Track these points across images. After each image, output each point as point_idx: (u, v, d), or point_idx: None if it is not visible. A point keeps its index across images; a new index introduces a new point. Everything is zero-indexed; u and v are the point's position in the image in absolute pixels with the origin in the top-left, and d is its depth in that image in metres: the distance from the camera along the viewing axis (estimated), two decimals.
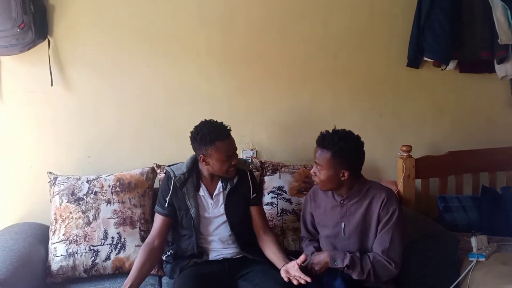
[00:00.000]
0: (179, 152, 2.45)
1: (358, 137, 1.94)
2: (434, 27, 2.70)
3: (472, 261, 2.11)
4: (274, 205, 2.45)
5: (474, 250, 2.16)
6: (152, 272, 2.20)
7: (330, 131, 1.94)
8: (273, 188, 2.49)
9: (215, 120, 2.04)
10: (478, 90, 2.95)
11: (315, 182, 1.99)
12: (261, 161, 2.58)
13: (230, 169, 2.03)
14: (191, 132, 2.04)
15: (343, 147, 1.88)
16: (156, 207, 2.12)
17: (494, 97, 2.98)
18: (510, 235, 2.43)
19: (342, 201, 1.97)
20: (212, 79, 2.64)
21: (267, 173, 2.53)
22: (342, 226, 1.96)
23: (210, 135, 1.97)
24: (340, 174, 1.90)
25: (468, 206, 2.62)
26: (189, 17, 2.58)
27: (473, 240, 2.18)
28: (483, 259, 2.12)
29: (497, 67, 2.79)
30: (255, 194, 2.16)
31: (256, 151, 2.72)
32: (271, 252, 2.04)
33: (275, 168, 2.54)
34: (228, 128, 2.02)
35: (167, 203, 2.07)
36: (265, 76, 2.69)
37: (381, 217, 1.91)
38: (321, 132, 1.95)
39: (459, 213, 2.59)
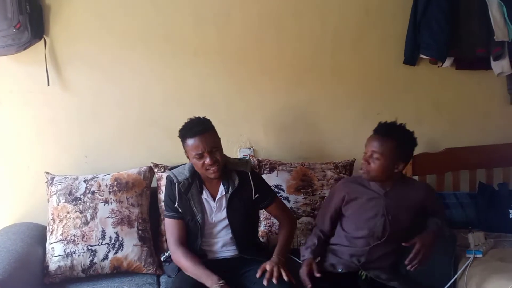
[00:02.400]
0: (176, 152, 2.43)
1: (413, 132, 2.00)
2: (430, 24, 2.70)
3: (470, 257, 2.12)
4: None
5: (472, 246, 2.16)
6: (150, 271, 2.22)
7: (389, 122, 1.98)
8: (271, 186, 2.48)
9: (200, 116, 2.04)
10: (475, 87, 2.95)
11: (362, 172, 1.99)
12: (258, 159, 2.58)
13: (208, 169, 1.98)
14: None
15: (408, 139, 1.96)
16: (168, 213, 2.08)
17: (490, 93, 2.98)
18: (507, 231, 2.44)
19: (386, 193, 1.99)
20: (209, 78, 2.63)
21: (265, 172, 2.53)
22: (388, 217, 1.98)
23: (181, 131, 1.99)
24: (395, 166, 1.95)
25: (465, 202, 2.62)
26: (185, 16, 2.57)
27: (470, 237, 2.18)
28: (481, 256, 2.13)
29: (493, 63, 2.79)
30: (257, 195, 2.12)
31: (254, 149, 2.72)
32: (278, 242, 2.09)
33: (273, 166, 2.54)
34: (203, 125, 1.99)
35: (177, 207, 2.05)
36: (262, 74, 2.69)
37: (427, 204, 2.06)
38: (381, 122, 1.98)
39: (456, 210, 2.60)
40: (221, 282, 1.86)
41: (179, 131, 2.01)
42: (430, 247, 1.94)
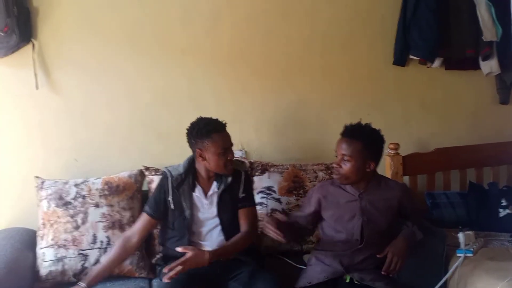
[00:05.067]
0: (166, 154, 2.45)
1: (380, 130, 2.02)
2: (420, 24, 2.72)
3: (460, 257, 2.13)
4: (264, 205, 2.45)
5: (462, 246, 2.18)
6: (142, 275, 2.22)
7: (354, 123, 2.00)
8: (262, 188, 2.49)
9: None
10: (464, 87, 2.97)
11: (336, 176, 2.01)
12: (250, 161, 2.58)
13: (227, 164, 2.03)
14: (187, 129, 2.05)
15: (374, 138, 1.98)
16: (146, 207, 2.11)
17: (479, 93, 3.01)
18: (497, 230, 2.46)
19: (360, 195, 2.01)
20: (199, 80, 2.63)
21: (256, 173, 2.53)
22: (363, 218, 1.99)
23: (207, 127, 2.00)
24: (366, 166, 1.97)
25: (455, 202, 2.64)
26: (173, 17, 2.56)
27: (461, 236, 2.19)
28: (471, 255, 2.14)
29: (482, 64, 2.82)
30: (244, 195, 2.14)
31: (245, 151, 2.72)
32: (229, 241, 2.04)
33: (264, 168, 2.54)
34: (223, 123, 2.05)
35: (157, 205, 2.08)
36: (252, 75, 2.69)
37: (403, 203, 2.05)
38: (346, 124, 2.01)
39: (446, 209, 2.62)
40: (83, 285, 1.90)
41: (199, 129, 2.00)
42: (403, 254, 1.94)
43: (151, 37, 2.56)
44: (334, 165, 2.01)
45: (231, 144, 2.07)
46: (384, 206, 2.02)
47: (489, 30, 2.71)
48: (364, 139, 1.95)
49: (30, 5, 2.39)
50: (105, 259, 2.02)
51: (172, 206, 2.07)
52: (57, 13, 2.44)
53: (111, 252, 2.03)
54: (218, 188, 2.09)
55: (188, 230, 2.06)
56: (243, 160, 2.51)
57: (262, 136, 2.74)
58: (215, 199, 2.09)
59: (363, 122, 2.02)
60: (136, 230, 2.08)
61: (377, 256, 1.95)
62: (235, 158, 2.13)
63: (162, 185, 2.11)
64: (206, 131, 2.00)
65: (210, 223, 2.09)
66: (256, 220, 2.21)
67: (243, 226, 2.12)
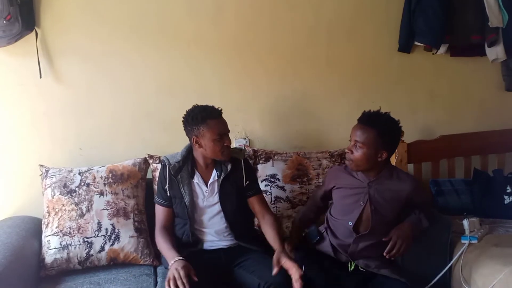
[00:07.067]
0: (171, 143, 2.44)
1: (398, 121, 1.98)
2: (425, 10, 2.69)
3: (465, 243, 2.13)
4: (268, 193, 2.45)
5: (467, 232, 2.18)
6: (146, 263, 2.23)
7: (372, 110, 1.98)
8: (266, 176, 2.49)
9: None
10: (469, 73, 2.95)
11: (347, 161, 2.00)
12: (254, 149, 2.57)
13: (224, 150, 2.03)
14: (183, 116, 2.06)
15: (390, 127, 1.96)
16: (157, 199, 2.14)
17: (485, 80, 2.98)
18: (502, 217, 2.47)
19: (370, 183, 2.00)
20: (203, 70, 2.62)
21: (260, 161, 2.53)
22: (371, 207, 1.98)
23: (202, 113, 2.01)
24: (378, 155, 1.95)
25: (460, 189, 2.64)
26: (178, 7, 2.55)
27: (466, 223, 2.19)
28: (476, 241, 2.14)
29: (488, 50, 2.79)
30: (248, 182, 2.14)
31: (249, 139, 2.72)
32: (269, 236, 2.05)
33: (268, 156, 2.54)
34: (219, 109, 2.05)
35: (165, 193, 2.10)
36: (256, 65, 2.68)
37: (413, 197, 2.02)
38: (364, 111, 1.99)
39: (451, 197, 2.61)
40: (180, 257, 1.89)
41: (195, 115, 2.01)
42: (408, 238, 1.94)
43: (156, 26, 2.55)
44: (346, 151, 2.00)
45: (228, 131, 2.07)
46: (392, 197, 2.01)
47: (495, 16, 2.68)
48: (379, 127, 1.92)
49: None
50: (166, 242, 2.02)
51: (170, 194, 2.09)
52: (61, 1, 2.42)
53: (164, 245, 2.02)
54: (219, 177, 2.10)
55: (189, 217, 2.07)
56: (241, 147, 2.50)
57: (266, 125, 2.74)
58: (216, 187, 2.10)
59: (383, 111, 1.99)
60: (162, 222, 2.11)
61: (383, 240, 1.95)
62: (233, 146, 2.13)
63: (161, 175, 2.13)
64: (201, 118, 2.00)
65: (210, 210, 2.10)
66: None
67: (262, 212, 2.13)
